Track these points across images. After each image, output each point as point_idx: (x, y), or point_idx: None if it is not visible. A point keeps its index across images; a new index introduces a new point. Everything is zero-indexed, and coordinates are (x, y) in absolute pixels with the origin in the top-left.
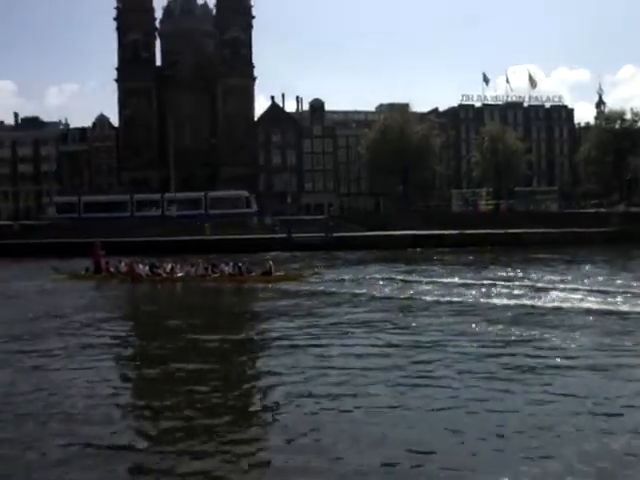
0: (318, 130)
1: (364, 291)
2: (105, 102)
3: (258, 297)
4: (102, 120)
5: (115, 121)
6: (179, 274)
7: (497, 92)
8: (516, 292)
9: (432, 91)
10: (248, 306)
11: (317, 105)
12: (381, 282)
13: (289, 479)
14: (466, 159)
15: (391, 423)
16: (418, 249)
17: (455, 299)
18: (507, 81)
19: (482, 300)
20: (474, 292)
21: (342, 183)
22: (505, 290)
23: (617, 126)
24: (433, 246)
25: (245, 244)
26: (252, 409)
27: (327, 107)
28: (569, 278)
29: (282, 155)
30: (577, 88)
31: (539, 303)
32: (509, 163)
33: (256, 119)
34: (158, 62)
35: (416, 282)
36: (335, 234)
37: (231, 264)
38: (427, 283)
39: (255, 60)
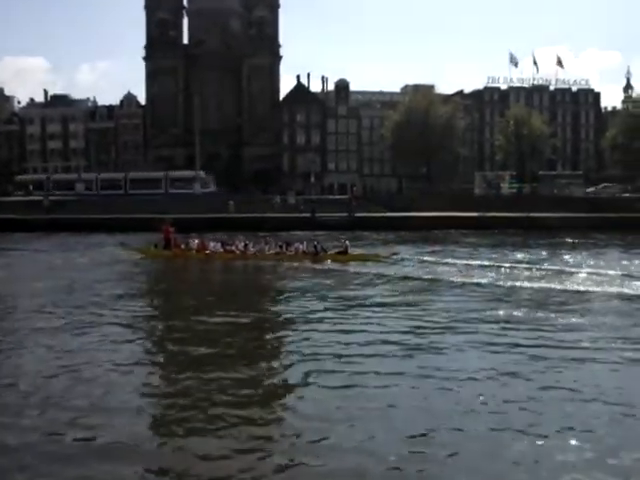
0: (343, 110)
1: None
2: (134, 80)
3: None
4: (129, 98)
5: (142, 99)
6: (252, 251)
7: (523, 74)
8: (541, 275)
9: (458, 73)
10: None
11: (342, 85)
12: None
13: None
14: (490, 142)
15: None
16: (440, 231)
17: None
18: (534, 62)
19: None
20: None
21: (365, 164)
22: (531, 273)
23: None
24: (455, 227)
25: (268, 222)
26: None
27: (352, 88)
28: (594, 262)
29: (306, 135)
30: (606, 71)
31: (565, 287)
32: (533, 147)
33: (281, 99)
34: (185, 41)
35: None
36: (358, 214)
37: (305, 243)
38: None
39: (281, 39)
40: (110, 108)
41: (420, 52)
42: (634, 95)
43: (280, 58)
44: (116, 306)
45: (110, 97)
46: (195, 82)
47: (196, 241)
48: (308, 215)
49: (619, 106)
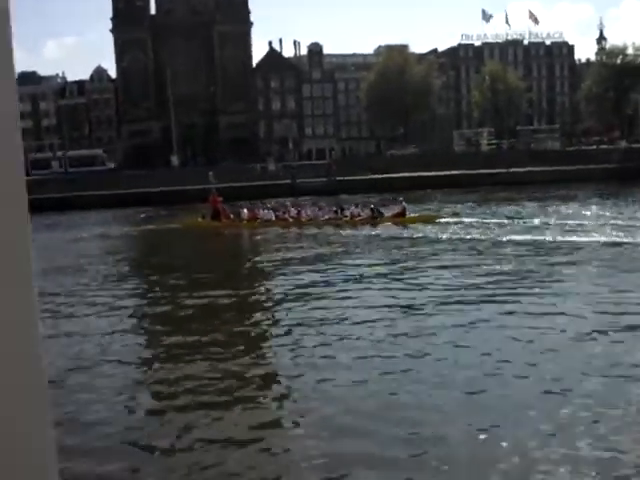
0: (317, 74)
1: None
2: (103, 55)
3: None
4: (100, 72)
5: (113, 73)
6: (306, 217)
7: (497, 30)
8: (526, 228)
9: (431, 31)
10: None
11: (315, 49)
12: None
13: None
14: (466, 99)
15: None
16: (424, 191)
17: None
18: (506, 20)
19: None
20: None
21: (343, 128)
22: (516, 227)
23: (618, 61)
24: (439, 187)
25: (249, 191)
26: None
27: (325, 51)
28: (573, 213)
29: (282, 101)
30: (579, 23)
31: (548, 238)
32: (510, 102)
33: (254, 65)
34: (153, 11)
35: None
36: (338, 178)
37: (359, 206)
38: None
39: (251, 5)
40: (80, 84)
41: (392, 13)
42: (607, 46)
43: (251, 24)
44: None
45: (80, 73)
46: (165, 53)
47: (245, 210)
48: (289, 181)
49: (593, 58)
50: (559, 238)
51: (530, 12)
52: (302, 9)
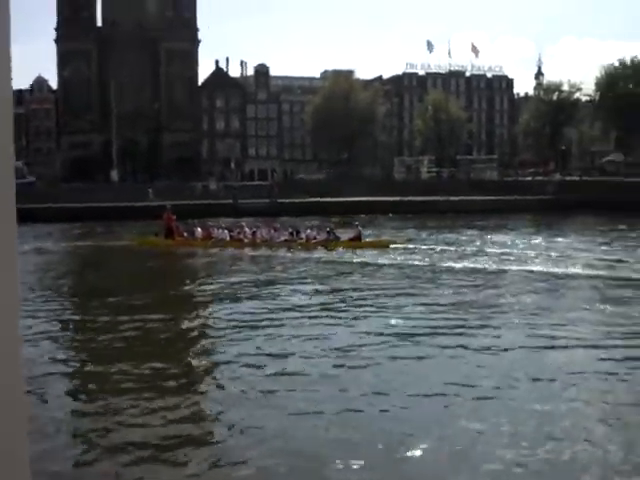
0: (263, 95)
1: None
2: (46, 65)
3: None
4: (40, 82)
5: (55, 84)
6: (261, 239)
7: (440, 61)
8: (465, 255)
9: (377, 58)
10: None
11: (262, 70)
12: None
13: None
14: (409, 127)
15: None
16: (366, 215)
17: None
18: (449, 53)
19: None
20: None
21: (286, 149)
22: (456, 254)
23: (555, 97)
24: (380, 212)
25: (190, 210)
26: None
27: (272, 72)
28: (510, 242)
29: (226, 120)
30: (519, 58)
31: (483, 266)
32: (451, 132)
33: (200, 84)
34: (99, 23)
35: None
36: (279, 200)
37: (315, 229)
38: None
39: (199, 23)
40: (19, 93)
41: (340, 38)
42: (545, 82)
43: (198, 42)
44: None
45: (19, 82)
46: (110, 65)
47: (199, 229)
48: (230, 201)
49: (531, 92)
50: (500, 267)
51: (472, 45)
52: (250, 30)
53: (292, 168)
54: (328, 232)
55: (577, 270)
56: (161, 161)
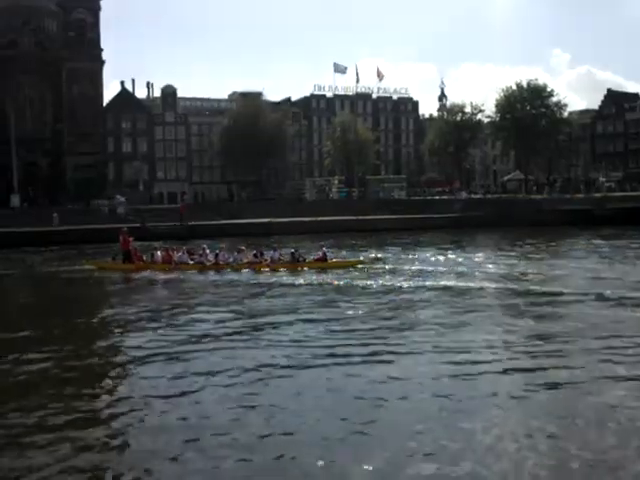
0: (170, 117)
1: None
2: None
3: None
4: None
5: None
6: (227, 261)
7: (348, 83)
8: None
9: (285, 81)
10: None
11: (169, 91)
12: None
13: None
14: (318, 148)
15: None
16: (280, 236)
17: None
18: (357, 75)
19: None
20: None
21: (195, 171)
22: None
23: (458, 118)
24: (295, 233)
25: (96, 234)
26: None
27: (179, 94)
28: (422, 259)
29: (133, 143)
30: (424, 81)
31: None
32: (360, 152)
33: (105, 105)
34: None
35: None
36: (190, 223)
37: (279, 251)
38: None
39: (103, 43)
40: None
41: (248, 59)
42: (448, 104)
43: (103, 63)
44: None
45: None
46: (8, 86)
47: (159, 253)
48: (138, 225)
49: (435, 114)
50: (417, 284)
51: (378, 69)
52: (157, 51)
53: (202, 190)
54: (292, 253)
55: (486, 284)
56: (64, 185)
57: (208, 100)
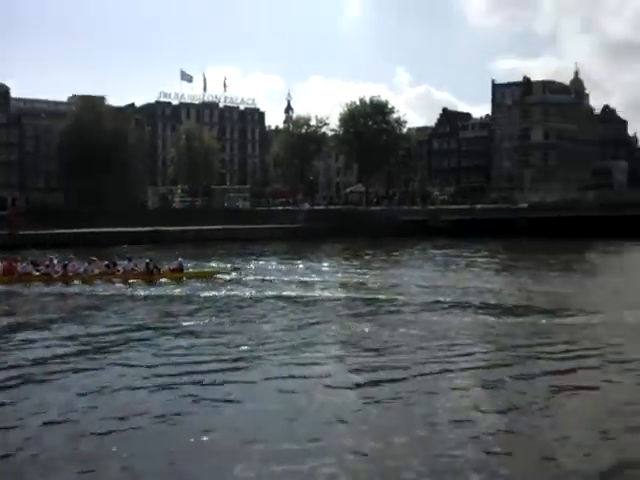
0: (2, 118)
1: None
2: None
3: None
4: None
5: None
6: (77, 272)
7: (194, 91)
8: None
9: (129, 86)
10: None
11: (1, 90)
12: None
13: None
14: (162, 156)
15: None
16: (121, 247)
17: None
18: (204, 84)
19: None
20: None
21: (29, 177)
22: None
23: (303, 131)
24: (136, 243)
25: None
26: None
27: (13, 94)
28: (268, 269)
29: None
30: (271, 93)
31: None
32: (205, 161)
33: None
34: None
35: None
36: (22, 232)
37: (133, 261)
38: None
39: None
40: None
41: (90, 62)
42: (294, 116)
43: None
44: None
45: None
46: None
47: (0, 263)
48: None
49: (281, 125)
50: (261, 294)
51: (225, 78)
52: None
53: (36, 197)
54: (147, 263)
55: (326, 294)
56: None
57: (45, 102)
